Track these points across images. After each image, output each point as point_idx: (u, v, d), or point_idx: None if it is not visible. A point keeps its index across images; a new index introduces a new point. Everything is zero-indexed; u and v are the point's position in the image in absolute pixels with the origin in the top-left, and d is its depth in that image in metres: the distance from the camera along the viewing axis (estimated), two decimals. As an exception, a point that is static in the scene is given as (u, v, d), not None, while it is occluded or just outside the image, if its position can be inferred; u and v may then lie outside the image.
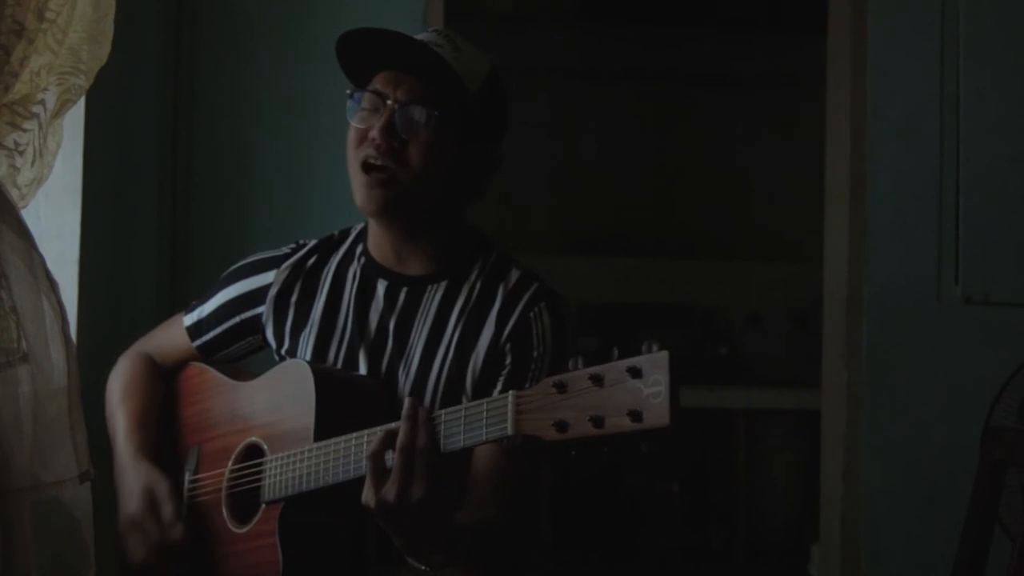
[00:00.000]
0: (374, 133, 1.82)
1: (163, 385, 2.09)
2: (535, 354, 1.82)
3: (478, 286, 1.88)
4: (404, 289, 1.91)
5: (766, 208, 5.28)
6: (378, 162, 1.81)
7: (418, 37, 1.85)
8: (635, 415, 1.39)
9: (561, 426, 1.46)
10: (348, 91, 1.89)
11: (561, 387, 1.47)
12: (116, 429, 2.02)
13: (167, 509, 1.89)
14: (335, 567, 1.82)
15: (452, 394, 1.84)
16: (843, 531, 3.09)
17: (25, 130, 1.87)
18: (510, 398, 1.51)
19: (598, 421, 1.42)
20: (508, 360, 1.83)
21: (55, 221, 2.37)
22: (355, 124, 1.86)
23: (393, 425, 1.62)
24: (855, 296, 3.08)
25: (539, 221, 5.18)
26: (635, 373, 1.40)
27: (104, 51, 1.98)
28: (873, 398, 3.04)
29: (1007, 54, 3.06)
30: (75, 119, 2.32)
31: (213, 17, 2.93)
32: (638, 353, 1.41)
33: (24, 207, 1.89)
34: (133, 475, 1.94)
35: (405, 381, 1.86)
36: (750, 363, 5.27)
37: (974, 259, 3.02)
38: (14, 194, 1.87)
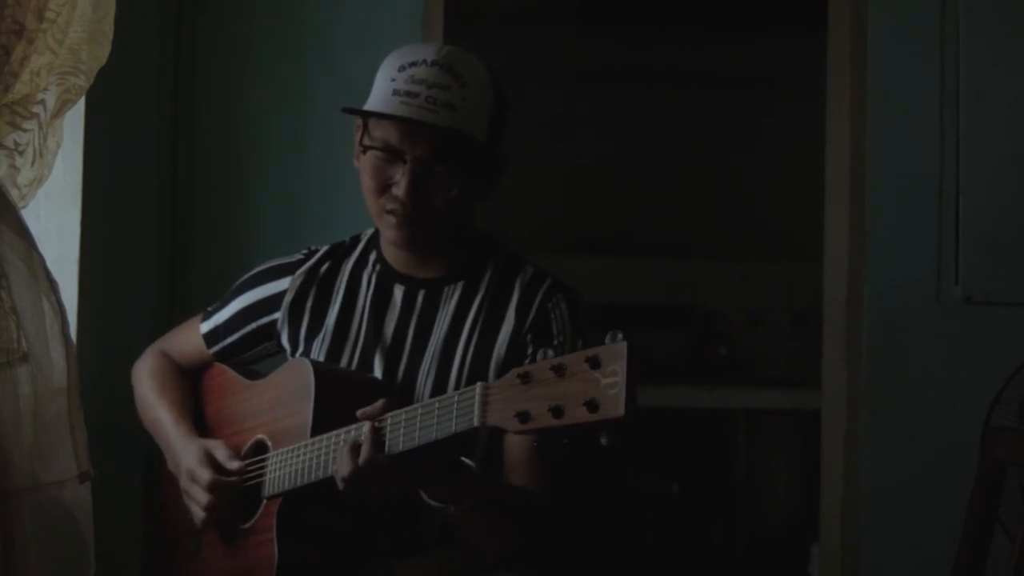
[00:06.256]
0: (399, 192, 1.84)
1: (189, 381, 2.14)
2: (555, 343, 1.87)
3: (494, 283, 1.93)
4: (422, 292, 1.94)
5: (766, 208, 5.27)
6: (405, 215, 1.86)
7: (419, 72, 1.83)
8: (591, 405, 1.41)
9: (523, 417, 1.48)
10: (362, 145, 1.89)
11: (525, 378, 1.49)
12: (162, 420, 2.07)
13: (221, 453, 1.94)
14: (335, 563, 1.82)
15: None
16: (843, 531, 3.09)
17: (25, 130, 1.87)
18: (478, 389, 1.55)
19: (558, 412, 1.44)
20: (530, 351, 1.87)
21: (55, 221, 2.37)
22: (370, 177, 1.87)
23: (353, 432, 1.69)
24: (855, 296, 3.08)
25: (539, 221, 5.17)
26: (594, 363, 1.42)
27: (104, 51, 1.98)
28: (873, 398, 3.04)
29: (1007, 54, 3.05)
30: (75, 119, 2.31)
31: (213, 18, 2.92)
32: (602, 343, 1.43)
33: (24, 207, 1.89)
34: (188, 448, 1.98)
35: (425, 383, 1.89)
36: (750, 363, 5.26)
37: (974, 259, 3.02)
38: (14, 194, 1.87)
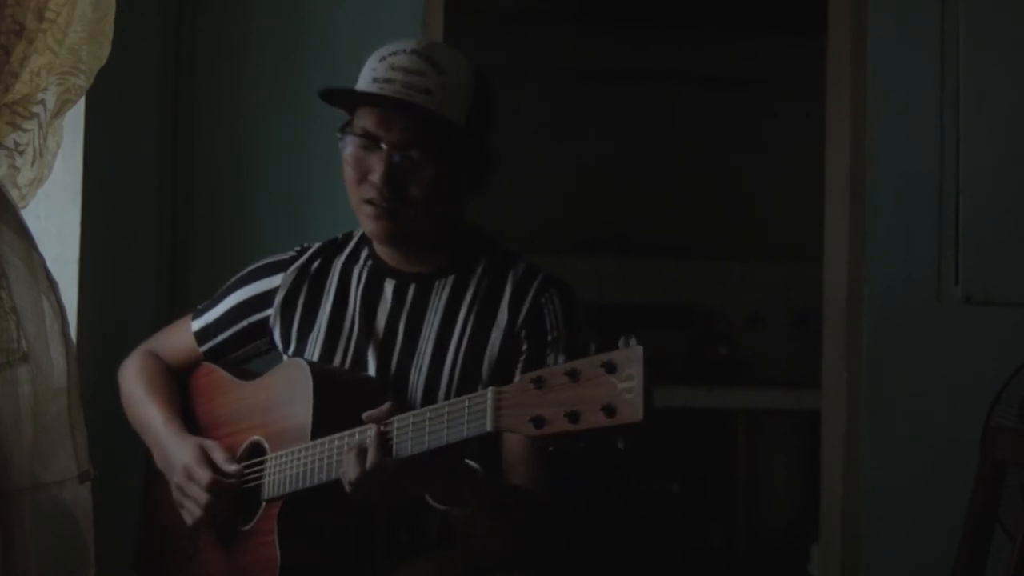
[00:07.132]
0: (375, 179, 1.85)
1: (178, 381, 2.13)
2: (549, 338, 1.87)
3: (486, 278, 1.93)
4: (412, 286, 1.95)
5: (766, 208, 5.27)
6: (383, 205, 1.85)
7: (397, 60, 1.85)
8: (608, 410, 1.41)
9: (538, 422, 1.48)
10: (337, 134, 1.90)
11: (539, 382, 1.49)
12: (151, 417, 2.06)
13: (218, 455, 1.93)
14: (337, 565, 1.82)
15: (467, 385, 1.87)
16: (843, 531, 3.09)
17: (25, 130, 1.87)
18: (490, 394, 1.55)
19: (574, 417, 1.44)
20: (524, 347, 1.87)
21: (55, 221, 2.37)
22: (351, 166, 1.88)
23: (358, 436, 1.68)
24: (855, 296, 3.08)
25: (539, 221, 5.17)
26: (610, 368, 1.42)
27: (104, 51, 1.99)
28: (873, 398, 3.04)
29: (1007, 54, 3.05)
30: (75, 119, 2.32)
31: (213, 18, 2.93)
32: (615, 348, 1.43)
33: (24, 207, 1.90)
34: (182, 445, 1.97)
35: (418, 377, 1.89)
36: (750, 363, 5.26)
37: (974, 259, 3.02)
38: (14, 194, 1.87)
